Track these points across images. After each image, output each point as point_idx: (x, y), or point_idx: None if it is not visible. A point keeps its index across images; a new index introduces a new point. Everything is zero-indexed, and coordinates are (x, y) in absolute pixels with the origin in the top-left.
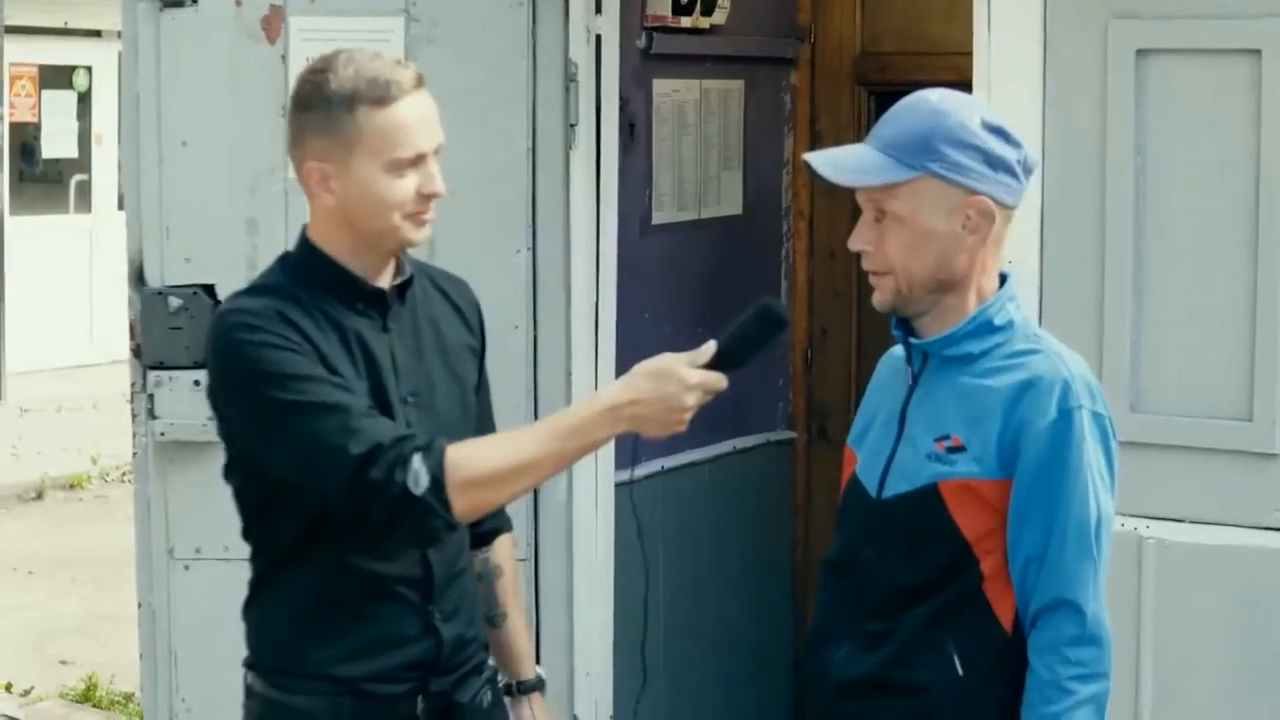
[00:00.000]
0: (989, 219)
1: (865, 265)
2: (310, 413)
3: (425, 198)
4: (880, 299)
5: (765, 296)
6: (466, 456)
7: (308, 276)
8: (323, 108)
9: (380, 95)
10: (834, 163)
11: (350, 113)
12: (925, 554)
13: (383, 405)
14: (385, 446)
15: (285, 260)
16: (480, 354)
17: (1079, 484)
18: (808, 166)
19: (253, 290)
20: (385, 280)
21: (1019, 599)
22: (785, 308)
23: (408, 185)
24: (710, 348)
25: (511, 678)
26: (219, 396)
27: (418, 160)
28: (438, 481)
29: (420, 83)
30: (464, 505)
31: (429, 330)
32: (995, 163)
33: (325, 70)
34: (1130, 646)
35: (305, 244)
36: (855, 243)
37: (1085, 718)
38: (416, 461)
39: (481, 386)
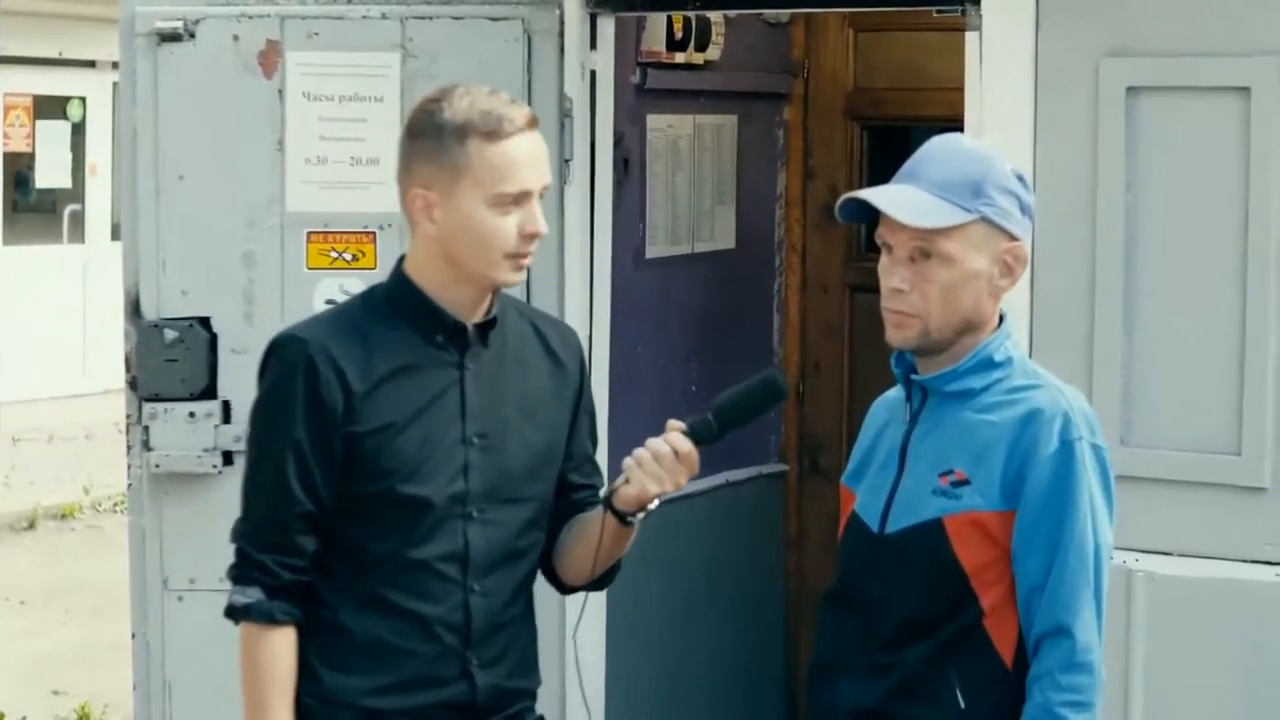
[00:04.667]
0: (1022, 264)
1: (894, 304)
2: (256, 472)
3: (527, 238)
4: (904, 336)
5: (771, 369)
6: (262, 642)
7: (391, 308)
8: (434, 136)
9: (493, 129)
10: (890, 201)
11: (461, 143)
12: (928, 588)
13: (439, 444)
14: (251, 560)
15: (371, 291)
16: (576, 403)
17: (1080, 513)
18: (843, 205)
19: (318, 319)
20: (473, 318)
21: (1024, 627)
22: (786, 381)
23: (510, 223)
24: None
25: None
26: None
27: (521, 198)
28: (249, 614)
29: (533, 123)
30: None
31: (514, 373)
32: (1025, 209)
33: (440, 100)
34: (1119, 678)
35: (398, 275)
36: (893, 280)
37: None
38: (254, 592)
39: (575, 436)
